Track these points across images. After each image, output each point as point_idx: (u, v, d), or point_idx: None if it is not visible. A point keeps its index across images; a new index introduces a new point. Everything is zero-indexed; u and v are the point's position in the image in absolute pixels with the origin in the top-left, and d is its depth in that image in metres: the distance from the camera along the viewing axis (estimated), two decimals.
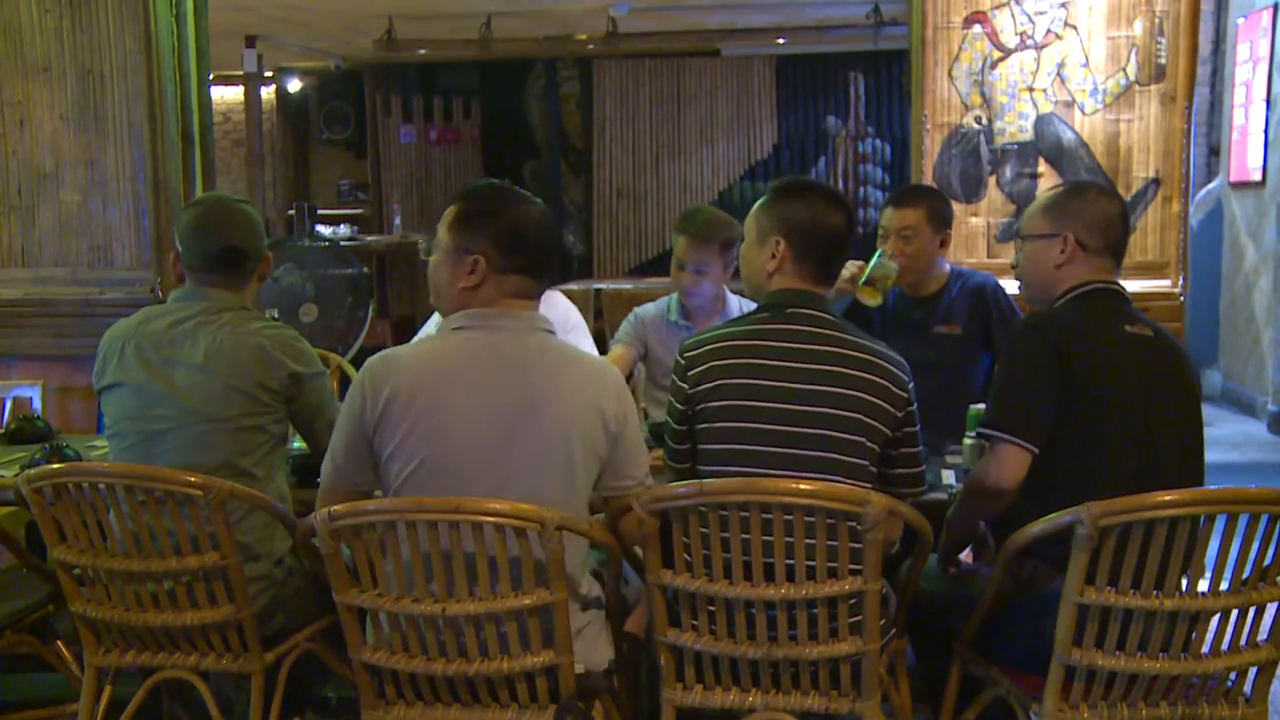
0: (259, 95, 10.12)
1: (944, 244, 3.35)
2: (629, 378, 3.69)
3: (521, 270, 2.20)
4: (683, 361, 2.34)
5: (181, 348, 2.51)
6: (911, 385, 2.29)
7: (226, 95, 11.46)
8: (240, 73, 9.90)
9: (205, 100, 4.58)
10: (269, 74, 11.31)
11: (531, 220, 2.22)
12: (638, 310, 3.71)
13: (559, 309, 3.84)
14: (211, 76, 4.67)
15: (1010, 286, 4.03)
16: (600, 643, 2.27)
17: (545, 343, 2.22)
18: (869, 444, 2.23)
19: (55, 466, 2.39)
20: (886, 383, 2.24)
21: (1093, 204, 2.45)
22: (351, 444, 2.16)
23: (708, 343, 2.32)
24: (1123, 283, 2.47)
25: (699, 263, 3.40)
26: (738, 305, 3.54)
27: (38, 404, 3.73)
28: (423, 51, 10.38)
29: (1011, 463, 2.27)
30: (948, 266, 3.40)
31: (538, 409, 2.12)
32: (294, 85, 12.25)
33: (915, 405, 2.29)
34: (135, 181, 4.37)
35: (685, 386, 2.31)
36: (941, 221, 3.32)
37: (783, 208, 2.37)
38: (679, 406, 2.34)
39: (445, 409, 2.10)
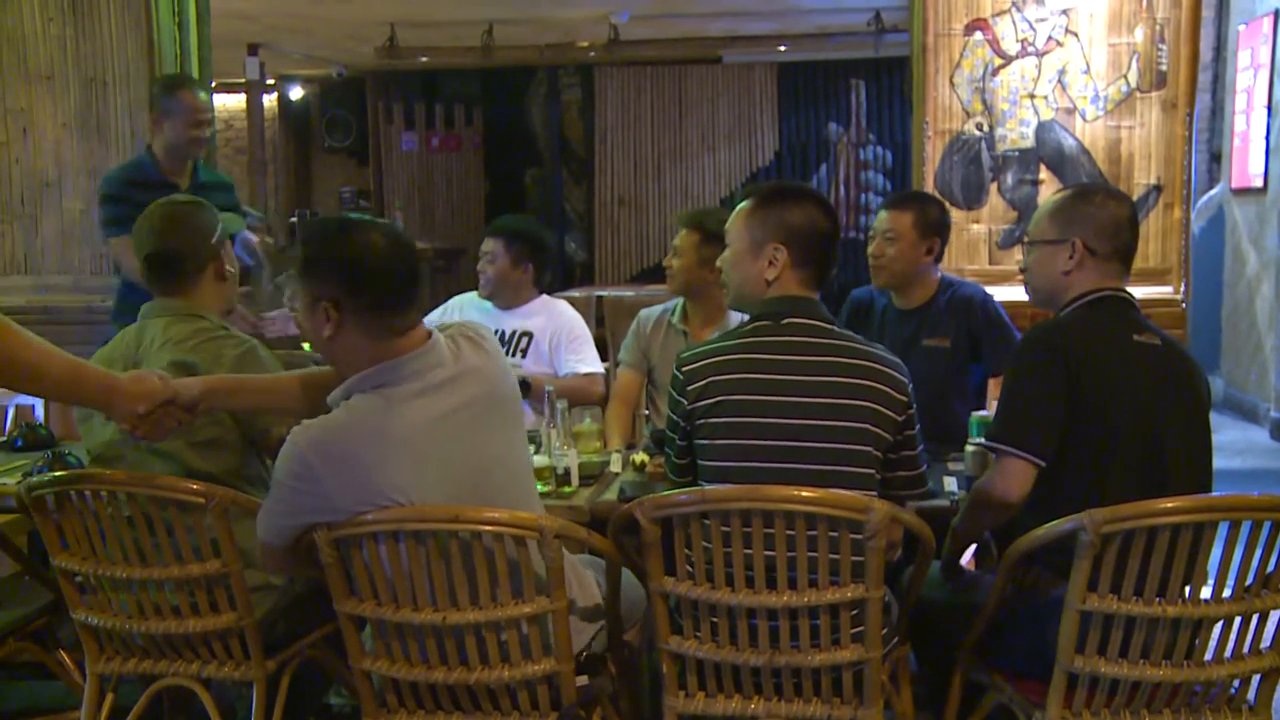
0: (261, 103, 10.15)
1: (930, 252, 3.27)
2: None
3: (378, 307, 2.01)
4: (680, 376, 2.31)
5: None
6: (911, 387, 2.27)
7: (229, 103, 11.48)
8: (242, 80, 9.93)
9: None
10: (271, 82, 11.33)
11: (375, 250, 2.02)
12: (641, 314, 3.69)
13: (565, 319, 3.83)
14: (214, 84, 4.69)
15: (1015, 293, 4.02)
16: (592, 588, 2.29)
17: (475, 371, 2.12)
18: (873, 452, 2.22)
19: (57, 474, 2.39)
20: (887, 388, 2.23)
21: (1100, 208, 2.41)
22: (293, 530, 2.06)
23: (705, 356, 2.30)
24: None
25: (674, 248, 3.47)
26: (736, 317, 3.52)
27: (40, 412, 3.73)
28: (424, 59, 10.40)
29: (1018, 476, 2.26)
30: (938, 276, 3.35)
31: (503, 457, 2.14)
32: (296, 93, 12.27)
33: (915, 407, 2.28)
34: None
35: (684, 401, 2.29)
36: (929, 230, 3.25)
37: (780, 214, 2.33)
38: (680, 423, 2.33)
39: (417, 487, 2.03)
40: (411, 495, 1.99)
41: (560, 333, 3.80)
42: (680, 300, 3.59)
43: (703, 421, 2.27)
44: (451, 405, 2.05)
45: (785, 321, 2.28)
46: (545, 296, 3.92)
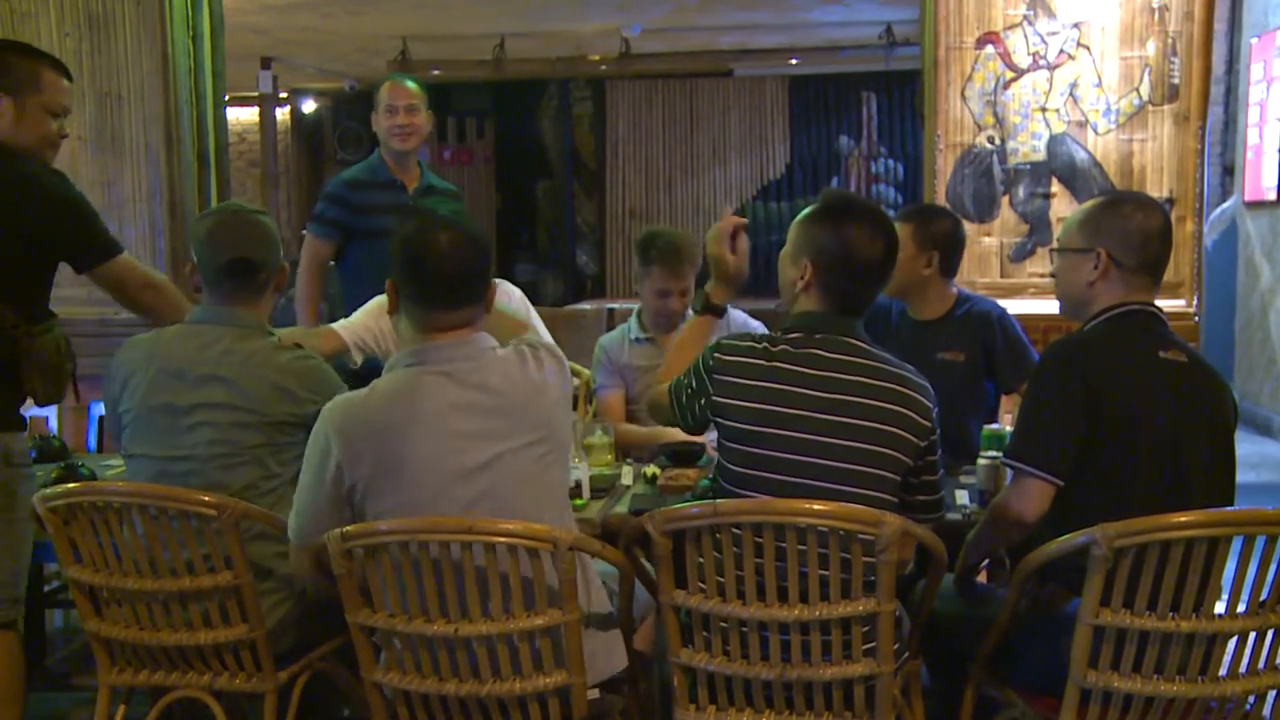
0: (274, 116, 10.21)
1: (930, 265, 3.23)
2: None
3: (421, 299, 2.16)
4: (711, 362, 2.28)
5: (206, 379, 2.49)
6: (936, 412, 2.25)
7: (242, 116, 11.55)
8: (255, 94, 9.98)
9: (221, 121, 4.62)
10: (284, 95, 11.39)
11: (432, 248, 2.14)
12: (601, 342, 3.67)
13: (515, 299, 3.76)
14: (227, 98, 4.71)
15: (1027, 306, 4.00)
16: (616, 649, 2.27)
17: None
18: (890, 475, 2.20)
19: (70, 486, 2.40)
20: (911, 413, 2.21)
21: (1128, 219, 2.36)
22: (328, 501, 2.13)
23: (740, 354, 2.26)
24: None
25: (681, 288, 3.47)
26: (741, 321, 3.51)
27: (53, 423, 3.74)
28: (436, 72, 10.44)
29: (1035, 496, 2.24)
30: (954, 290, 3.34)
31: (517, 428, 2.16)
32: (309, 106, 12.33)
33: (938, 433, 2.26)
34: (151, 202, 4.40)
35: (710, 389, 2.27)
36: (928, 243, 3.21)
37: (816, 231, 2.28)
38: (699, 398, 2.30)
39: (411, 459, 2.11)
40: (424, 469, 2.08)
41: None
42: (633, 316, 3.63)
43: (720, 422, 2.27)
44: (465, 399, 2.12)
45: (818, 337, 2.26)
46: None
